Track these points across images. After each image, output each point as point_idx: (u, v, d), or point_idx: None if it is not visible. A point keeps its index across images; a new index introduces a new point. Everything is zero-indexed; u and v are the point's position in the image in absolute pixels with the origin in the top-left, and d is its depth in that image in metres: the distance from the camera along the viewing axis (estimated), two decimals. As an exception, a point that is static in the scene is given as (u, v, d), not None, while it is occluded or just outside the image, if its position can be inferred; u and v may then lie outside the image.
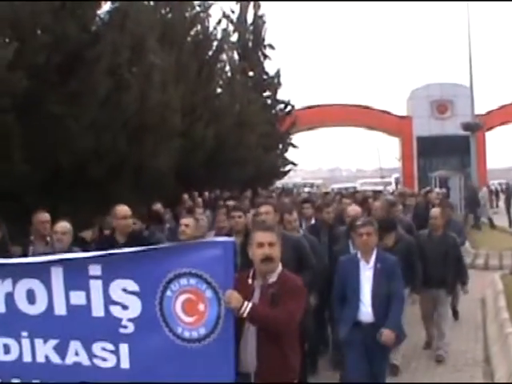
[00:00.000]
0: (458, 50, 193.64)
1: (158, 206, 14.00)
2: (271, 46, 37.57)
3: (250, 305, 5.09)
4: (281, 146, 37.77)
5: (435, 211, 10.99)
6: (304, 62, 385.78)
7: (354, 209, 10.40)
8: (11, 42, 11.11)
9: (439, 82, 54.31)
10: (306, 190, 46.24)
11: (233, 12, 35.30)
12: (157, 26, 16.81)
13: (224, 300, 5.06)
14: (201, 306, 5.14)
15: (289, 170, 41.87)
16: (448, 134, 49.32)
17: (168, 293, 5.22)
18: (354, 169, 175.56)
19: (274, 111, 37.39)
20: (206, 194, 19.54)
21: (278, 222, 8.75)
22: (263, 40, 37.14)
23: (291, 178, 65.61)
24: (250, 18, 36.65)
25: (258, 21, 36.82)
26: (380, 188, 42.95)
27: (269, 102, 37.00)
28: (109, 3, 14.33)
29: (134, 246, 5.80)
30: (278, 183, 45.11)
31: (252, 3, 36.53)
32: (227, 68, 27.50)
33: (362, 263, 7.37)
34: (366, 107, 55.46)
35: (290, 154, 40.35)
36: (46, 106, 11.78)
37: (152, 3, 18.50)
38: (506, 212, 34.95)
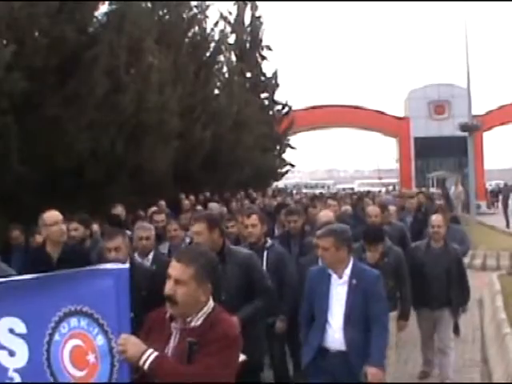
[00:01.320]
0: (455, 51, 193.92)
1: (118, 210, 11.77)
2: (269, 48, 37.67)
3: (153, 356, 3.74)
4: (278, 147, 37.81)
5: (437, 218, 9.19)
6: (301, 63, 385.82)
7: (325, 214, 9.03)
8: (9, 44, 11.14)
9: (437, 82, 54.40)
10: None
11: (230, 13, 35.44)
12: (154, 27, 16.85)
13: (118, 348, 3.77)
14: (91, 357, 3.87)
15: (286, 171, 41.90)
16: (445, 134, 49.42)
17: (56, 337, 3.97)
18: (351, 170, 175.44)
19: (271, 112, 37.47)
20: (192, 197, 18.61)
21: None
22: (261, 41, 37.23)
23: (289, 180, 65.72)
24: (247, 20, 36.77)
25: (256, 22, 36.90)
26: (377, 189, 43.02)
27: (266, 103, 37.09)
28: (106, 4, 14.36)
29: (69, 262, 5.23)
30: (282, 183, 45.16)
31: (249, 4, 36.59)
32: (225, 69, 27.55)
33: (334, 277, 6.00)
34: (364, 108, 55.50)
35: (288, 155, 40.45)
36: (43, 107, 11.80)
37: (149, 5, 18.52)
38: (503, 212, 34.97)
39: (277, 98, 38.63)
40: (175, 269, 3.87)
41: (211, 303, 3.97)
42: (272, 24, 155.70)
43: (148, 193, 15.73)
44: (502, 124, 54.76)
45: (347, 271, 5.93)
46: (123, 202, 12.02)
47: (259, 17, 37.11)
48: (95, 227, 10.13)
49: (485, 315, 12.93)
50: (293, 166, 42.10)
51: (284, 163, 39.58)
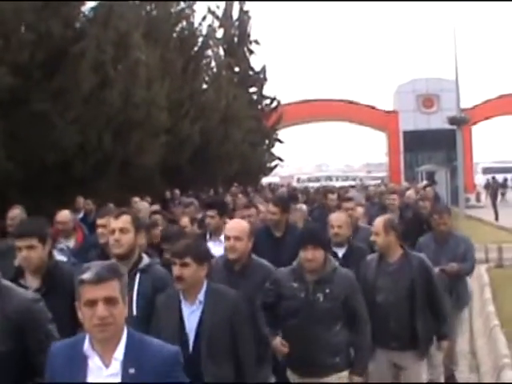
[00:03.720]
0: (443, 45, 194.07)
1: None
2: (257, 42, 37.65)
3: None
4: (267, 142, 37.80)
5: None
6: (290, 57, 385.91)
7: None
8: (-6, 40, 11.08)
9: (425, 76, 54.43)
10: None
11: (218, 8, 35.35)
12: (142, 22, 16.80)
13: None
14: None
15: (275, 166, 41.93)
16: (434, 128, 49.46)
17: None
18: (341, 164, 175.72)
19: (260, 107, 37.47)
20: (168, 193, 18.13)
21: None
22: (249, 36, 37.20)
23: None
24: (235, 14, 36.71)
25: (244, 16, 36.86)
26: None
27: (255, 97, 37.10)
28: (93, -1, 14.32)
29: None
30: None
31: (237, -1, 36.56)
32: (213, 64, 27.56)
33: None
34: (353, 102, 55.48)
35: (277, 150, 40.45)
36: (30, 102, 11.74)
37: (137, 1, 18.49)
38: (492, 206, 35.08)
39: (265, 92, 38.66)
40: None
41: None
42: (260, 18, 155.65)
43: (136, 188, 15.68)
44: (488, 118, 54.89)
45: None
46: (110, 198, 12.01)
47: (247, 11, 37.11)
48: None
49: (473, 308, 12.97)
50: (281, 160, 42.13)
51: (273, 158, 39.58)
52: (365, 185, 39.76)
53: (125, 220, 5.16)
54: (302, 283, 5.51)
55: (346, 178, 63.62)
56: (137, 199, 12.63)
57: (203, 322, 4.76)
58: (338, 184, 41.24)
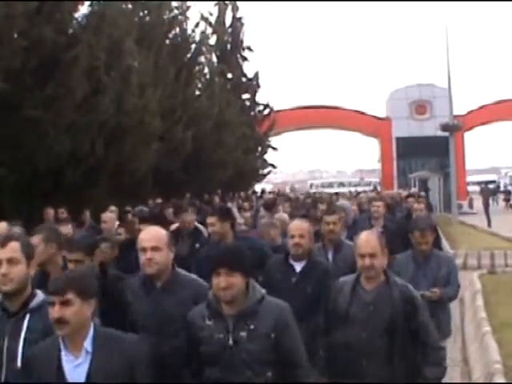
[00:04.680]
0: (436, 51, 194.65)
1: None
2: (250, 49, 37.65)
3: None
4: (260, 148, 37.79)
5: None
6: (283, 64, 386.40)
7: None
8: (-14, 46, 11.06)
9: (418, 83, 54.53)
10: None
11: (211, 14, 35.33)
12: (134, 28, 16.80)
13: None
14: None
15: (268, 172, 41.92)
16: (427, 134, 49.54)
17: None
18: (333, 170, 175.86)
19: (252, 113, 37.45)
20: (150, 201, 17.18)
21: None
22: (242, 42, 37.21)
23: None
24: (228, 21, 36.71)
25: (237, 23, 36.87)
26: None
27: (248, 104, 37.08)
28: (86, 5, 14.30)
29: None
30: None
31: (230, 5, 36.56)
32: (206, 70, 27.56)
33: None
34: (346, 109, 55.58)
35: (270, 156, 40.45)
36: (22, 109, 11.72)
37: (130, 6, 18.46)
38: (484, 212, 35.14)
39: (258, 99, 38.67)
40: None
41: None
42: (253, 25, 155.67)
43: (128, 195, 15.67)
44: (482, 124, 55.03)
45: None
46: (102, 204, 11.97)
47: (240, 18, 37.10)
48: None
49: (465, 314, 12.98)
50: (274, 167, 42.12)
51: (265, 164, 39.58)
52: (357, 191, 39.52)
53: (13, 248, 4.15)
54: (218, 320, 4.26)
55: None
56: (112, 208, 11.80)
57: (92, 378, 3.77)
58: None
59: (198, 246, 8.19)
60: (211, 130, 23.44)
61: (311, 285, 5.92)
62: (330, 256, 7.35)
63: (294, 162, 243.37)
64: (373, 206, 10.50)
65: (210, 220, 7.16)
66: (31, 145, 11.94)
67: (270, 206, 12.57)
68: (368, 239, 5.13)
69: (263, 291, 4.38)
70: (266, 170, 40.43)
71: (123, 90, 14.80)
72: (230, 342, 4.18)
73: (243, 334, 4.19)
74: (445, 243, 19.79)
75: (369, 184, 62.09)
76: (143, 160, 16.05)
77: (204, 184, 23.72)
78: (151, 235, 4.93)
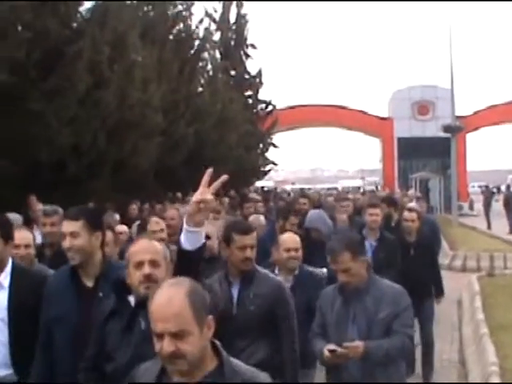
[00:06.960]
0: (439, 52, 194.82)
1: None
2: (253, 46, 37.65)
3: None
4: (261, 146, 37.78)
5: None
6: (286, 61, 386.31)
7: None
8: (-10, 37, 11.06)
9: (420, 84, 54.50)
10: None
11: (215, 11, 35.36)
12: (138, 23, 16.79)
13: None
14: None
15: (270, 170, 41.92)
16: (429, 135, 49.51)
17: None
18: (335, 169, 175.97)
19: (255, 110, 37.42)
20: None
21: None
22: (245, 39, 37.19)
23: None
24: (232, 18, 36.72)
25: (241, 20, 36.85)
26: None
27: (250, 101, 37.04)
28: (90, -1, 14.31)
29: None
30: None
31: (235, 2, 36.56)
32: (209, 67, 27.53)
33: None
34: (348, 108, 55.53)
35: (271, 154, 40.45)
36: (25, 101, 11.72)
37: (134, 1, 18.47)
38: (485, 214, 35.15)
39: (261, 96, 38.64)
40: None
41: None
42: (257, 22, 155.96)
43: (129, 189, 15.68)
44: (484, 126, 54.97)
45: None
46: (104, 198, 11.99)
47: (244, 15, 37.09)
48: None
49: (463, 316, 12.99)
50: (276, 164, 42.12)
51: (267, 162, 39.58)
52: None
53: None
54: None
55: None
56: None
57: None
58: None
59: None
60: (213, 126, 23.43)
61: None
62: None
63: (296, 160, 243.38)
64: (370, 214, 8.40)
65: None
66: (34, 137, 11.94)
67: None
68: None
69: None
70: (267, 168, 40.42)
71: (126, 85, 14.78)
72: None
73: None
74: (444, 244, 19.83)
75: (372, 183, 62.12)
76: (145, 155, 16.05)
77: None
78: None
